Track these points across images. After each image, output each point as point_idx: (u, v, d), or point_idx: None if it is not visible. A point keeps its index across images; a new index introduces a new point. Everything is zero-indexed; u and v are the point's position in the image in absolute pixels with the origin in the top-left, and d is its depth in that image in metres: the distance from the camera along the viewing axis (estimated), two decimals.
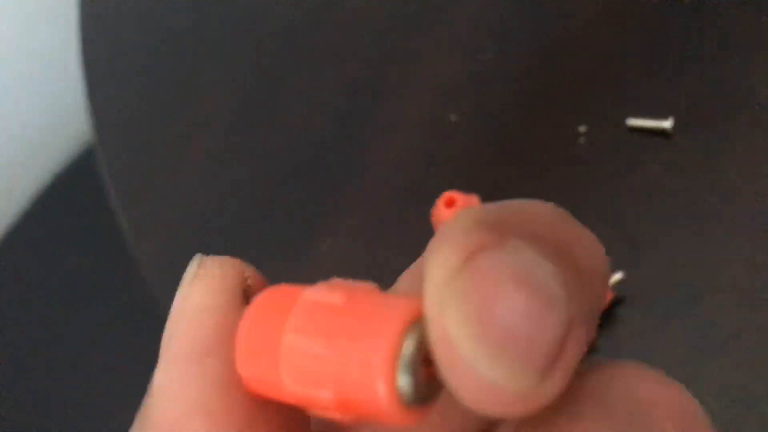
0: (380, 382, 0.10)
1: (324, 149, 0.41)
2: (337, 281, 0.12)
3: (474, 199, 0.34)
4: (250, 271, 0.13)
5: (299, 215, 0.39)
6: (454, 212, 0.33)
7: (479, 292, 0.09)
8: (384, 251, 0.36)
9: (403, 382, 0.10)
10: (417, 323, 0.10)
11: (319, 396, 0.10)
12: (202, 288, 0.12)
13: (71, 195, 0.64)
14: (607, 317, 0.31)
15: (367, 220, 0.38)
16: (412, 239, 0.36)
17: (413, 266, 0.14)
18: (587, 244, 0.11)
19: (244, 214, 0.41)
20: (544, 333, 0.09)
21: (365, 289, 0.11)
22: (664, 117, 0.34)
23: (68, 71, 0.59)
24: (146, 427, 0.11)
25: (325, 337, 0.10)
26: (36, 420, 0.59)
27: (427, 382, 0.10)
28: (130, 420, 0.12)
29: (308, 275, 0.36)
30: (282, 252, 0.39)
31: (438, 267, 0.10)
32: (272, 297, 0.12)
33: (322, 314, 0.11)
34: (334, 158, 0.40)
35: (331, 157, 0.40)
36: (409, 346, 0.10)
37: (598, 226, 0.32)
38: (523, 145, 0.37)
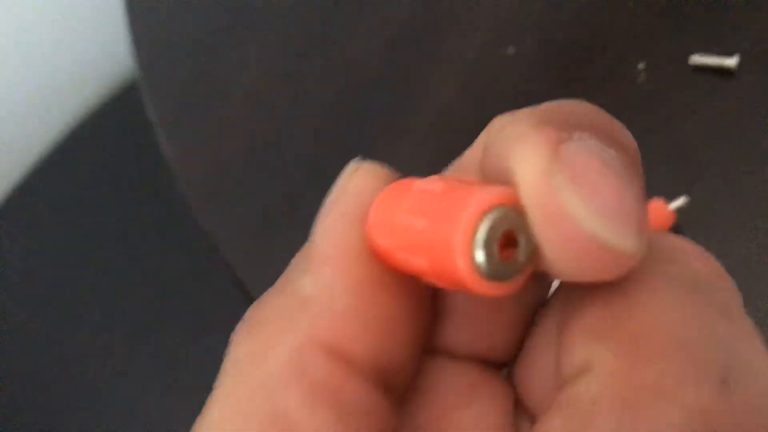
0: (459, 256, 0.11)
1: (377, 82, 0.41)
2: (445, 175, 0.14)
3: None
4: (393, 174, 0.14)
5: (350, 150, 0.40)
6: None
7: (587, 175, 0.11)
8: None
9: (479, 257, 0.11)
10: (497, 208, 0.12)
11: (420, 264, 0.12)
12: (363, 175, 0.14)
13: (114, 127, 0.64)
14: None
15: (420, 154, 0.38)
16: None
17: (454, 167, 0.16)
18: (621, 129, 0.13)
19: (293, 146, 0.41)
20: (633, 202, 0.11)
21: (463, 180, 0.13)
22: (729, 55, 0.34)
23: (111, 4, 0.59)
24: (306, 262, 0.13)
25: (424, 216, 0.12)
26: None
27: (505, 260, 0.12)
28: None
29: None
30: (326, 187, 0.39)
31: (532, 160, 0.11)
32: (395, 186, 0.14)
33: (424, 198, 0.13)
34: (387, 92, 0.40)
35: (383, 90, 0.40)
36: (484, 227, 0.11)
37: (657, 160, 0.33)
38: (581, 80, 0.37)
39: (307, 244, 0.14)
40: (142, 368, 0.56)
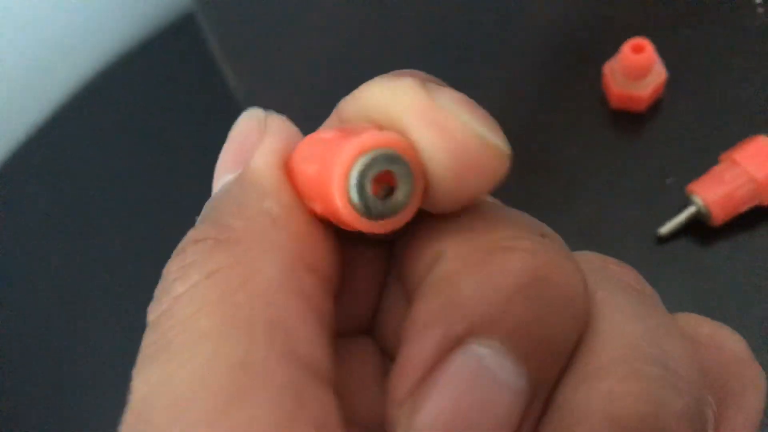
0: (336, 196, 0.12)
1: (472, 3, 0.38)
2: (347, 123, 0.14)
3: (656, 57, 0.32)
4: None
5: (441, 77, 0.38)
6: (643, 59, 0.31)
7: (461, 99, 0.13)
8: (543, 110, 0.35)
9: (354, 196, 0.12)
10: (372, 151, 0.12)
11: (317, 208, 0.13)
12: (279, 121, 0.15)
13: (175, 53, 0.61)
14: None
15: (519, 77, 0.36)
16: (577, 96, 0.34)
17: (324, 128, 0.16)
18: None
19: (370, 71, 0.39)
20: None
21: (356, 126, 0.14)
22: None
23: None
24: (258, 187, 0.14)
25: (314, 163, 0.13)
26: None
27: (383, 199, 0.13)
28: None
29: None
30: None
31: (414, 94, 0.13)
32: (307, 137, 0.14)
33: (318, 146, 0.13)
34: (471, 13, 0.38)
35: (466, 12, 0.38)
36: (357, 169, 0.12)
37: None
38: (700, 11, 0.35)
39: (244, 177, 0.14)
40: None
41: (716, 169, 0.29)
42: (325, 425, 0.12)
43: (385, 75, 0.14)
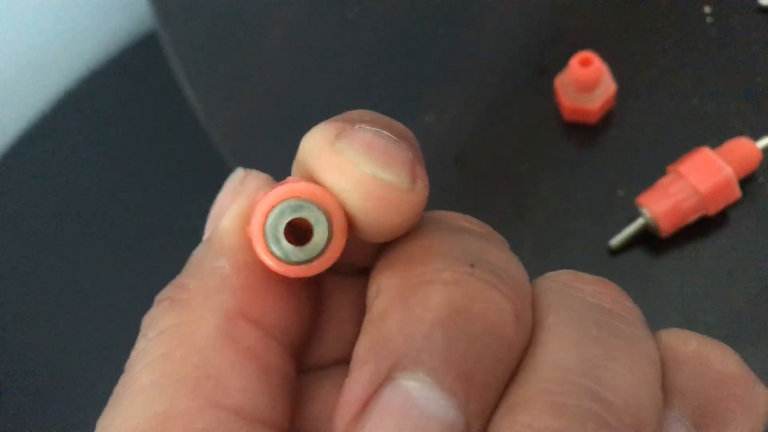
0: (259, 252, 0.14)
1: (427, 20, 0.39)
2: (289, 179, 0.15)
3: (605, 68, 0.32)
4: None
5: (399, 90, 0.38)
6: (591, 72, 0.31)
7: (362, 139, 0.14)
8: (496, 124, 0.35)
9: (273, 248, 0.14)
10: (284, 202, 0.14)
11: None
12: (254, 179, 0.16)
13: (138, 71, 0.61)
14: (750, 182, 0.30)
15: (475, 94, 0.36)
16: (532, 110, 0.35)
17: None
18: (397, 124, 0.16)
19: (331, 87, 0.39)
20: (402, 154, 0.14)
21: (285, 181, 0.15)
22: None
23: None
24: (217, 249, 0.15)
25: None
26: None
27: (300, 245, 0.14)
28: None
29: None
30: None
31: (319, 138, 0.14)
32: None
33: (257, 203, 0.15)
34: (428, 28, 0.39)
35: (424, 26, 0.39)
36: (270, 220, 0.14)
37: (727, 99, 0.31)
38: (649, 22, 0.35)
39: (210, 237, 0.15)
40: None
41: (663, 181, 0.29)
42: None
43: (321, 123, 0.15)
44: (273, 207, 0.14)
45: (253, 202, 0.15)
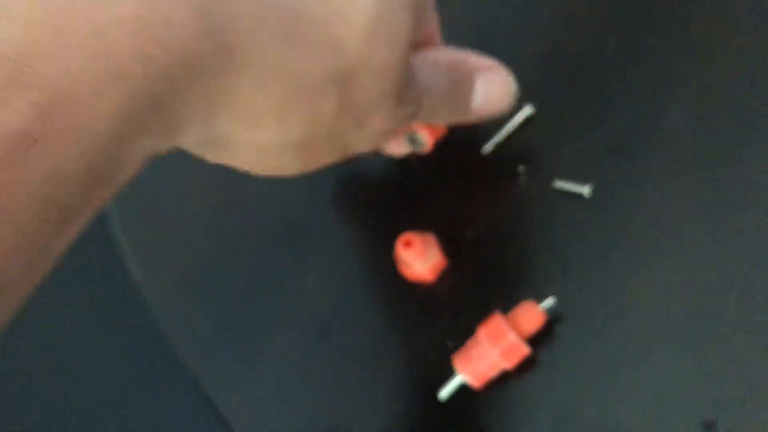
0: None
1: (304, 201, 0.46)
2: None
3: (431, 237, 0.39)
4: None
5: (288, 256, 0.45)
6: (413, 252, 0.38)
7: None
8: (357, 286, 0.42)
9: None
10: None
11: None
12: None
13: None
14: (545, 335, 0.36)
15: (342, 260, 0.43)
16: (383, 273, 0.42)
17: None
18: None
19: (238, 257, 0.46)
20: None
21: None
22: (583, 183, 0.39)
23: None
24: None
25: None
26: None
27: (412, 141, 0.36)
28: None
29: (298, 303, 0.42)
30: (274, 286, 0.45)
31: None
32: None
33: None
34: (312, 208, 0.46)
35: (309, 206, 0.46)
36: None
37: (533, 262, 0.38)
38: (470, 186, 0.42)
39: None
40: None
41: (470, 342, 0.36)
42: None
43: None
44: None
45: None
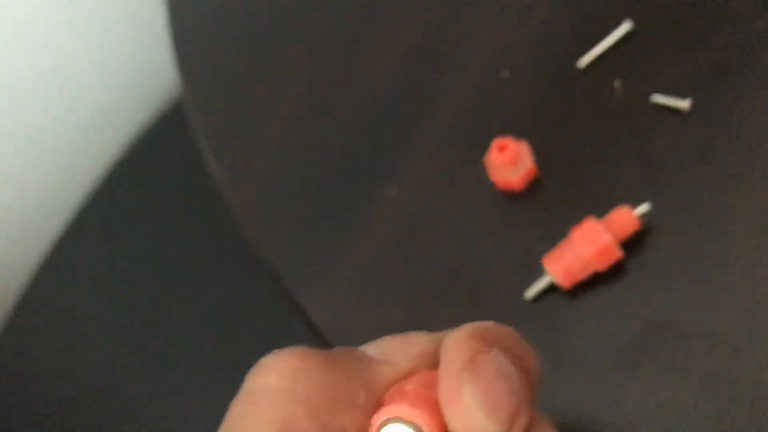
0: None
1: (391, 104, 0.47)
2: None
3: (524, 145, 0.40)
4: None
5: (371, 163, 0.46)
6: (507, 156, 0.39)
7: (484, 378, 0.20)
8: (444, 193, 0.43)
9: None
10: (393, 420, 0.20)
11: None
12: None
13: (162, 147, 0.71)
14: (635, 244, 0.37)
15: (428, 166, 0.44)
16: (471, 181, 0.42)
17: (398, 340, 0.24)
18: (530, 353, 0.22)
19: (323, 162, 0.47)
20: (511, 402, 0.20)
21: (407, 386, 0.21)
22: (682, 98, 0.39)
23: (155, 26, 0.65)
24: None
25: None
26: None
27: None
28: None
29: (381, 209, 0.43)
30: (355, 196, 0.46)
31: (453, 362, 0.20)
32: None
33: None
34: (401, 112, 0.46)
35: (397, 110, 0.47)
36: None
37: (627, 170, 0.38)
38: (564, 99, 0.42)
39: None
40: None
41: (562, 244, 0.36)
42: None
43: (455, 334, 0.21)
44: (386, 420, 0.19)
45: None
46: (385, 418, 0.19)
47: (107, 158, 0.73)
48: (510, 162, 0.39)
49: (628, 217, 0.36)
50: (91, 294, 0.69)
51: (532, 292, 0.37)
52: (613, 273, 0.37)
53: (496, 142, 0.39)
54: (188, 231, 0.67)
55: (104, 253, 0.71)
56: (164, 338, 0.64)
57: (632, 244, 0.37)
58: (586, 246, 0.35)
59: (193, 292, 0.64)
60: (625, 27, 0.42)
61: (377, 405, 0.20)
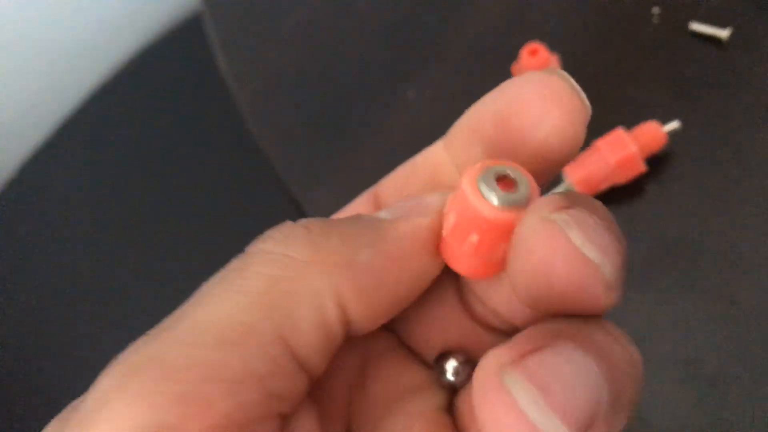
0: (472, 199, 0.16)
1: (417, 9, 0.45)
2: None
3: (555, 57, 0.39)
4: None
5: (391, 68, 0.45)
6: (537, 61, 0.37)
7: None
8: (465, 99, 0.41)
9: (488, 194, 0.16)
10: (492, 168, 0.16)
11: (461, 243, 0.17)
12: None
13: (178, 51, 0.70)
14: (657, 164, 0.36)
15: (450, 71, 0.43)
16: (491, 87, 0.41)
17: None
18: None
19: (338, 65, 0.46)
20: (620, 260, 0.15)
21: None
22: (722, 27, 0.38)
23: None
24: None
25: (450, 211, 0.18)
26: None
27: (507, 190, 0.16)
28: None
29: (396, 120, 0.41)
30: (373, 98, 0.44)
31: (537, 213, 0.15)
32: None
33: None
34: (426, 18, 0.45)
35: (423, 17, 0.45)
36: (482, 176, 0.16)
37: (657, 89, 0.37)
38: (599, 20, 0.41)
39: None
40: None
41: (584, 153, 0.35)
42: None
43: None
44: (482, 168, 0.16)
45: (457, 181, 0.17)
46: (481, 167, 0.16)
47: (119, 58, 0.72)
48: (540, 67, 0.38)
49: (656, 131, 0.35)
50: (88, 181, 0.68)
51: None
52: (632, 190, 0.36)
53: (528, 47, 0.38)
54: (196, 126, 0.65)
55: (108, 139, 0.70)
56: (161, 226, 0.62)
57: (655, 164, 0.36)
58: (611, 154, 0.34)
59: (196, 195, 0.63)
60: None
61: (391, 260, 0.18)
